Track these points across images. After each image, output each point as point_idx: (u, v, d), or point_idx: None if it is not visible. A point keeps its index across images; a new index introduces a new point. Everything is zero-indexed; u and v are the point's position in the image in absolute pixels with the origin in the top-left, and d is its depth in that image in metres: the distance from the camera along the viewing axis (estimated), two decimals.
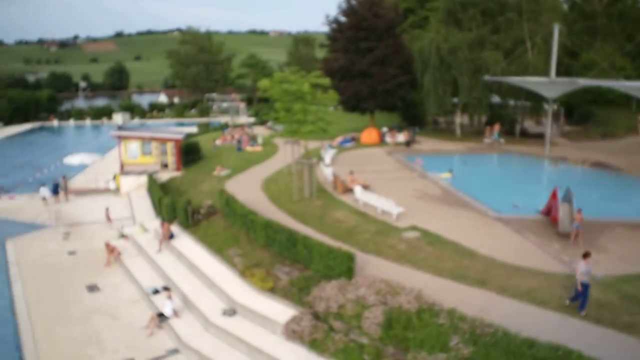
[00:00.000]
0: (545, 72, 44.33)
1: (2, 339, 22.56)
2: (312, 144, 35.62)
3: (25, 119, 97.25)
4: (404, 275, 20.75)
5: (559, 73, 44.27)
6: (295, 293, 20.97)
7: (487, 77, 46.67)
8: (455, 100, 52.37)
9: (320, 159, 41.11)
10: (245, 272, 23.46)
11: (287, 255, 23.52)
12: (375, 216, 27.88)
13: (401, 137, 49.66)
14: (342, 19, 51.54)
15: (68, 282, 27.48)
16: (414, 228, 25.76)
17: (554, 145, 46.63)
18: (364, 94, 49.20)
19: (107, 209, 36.80)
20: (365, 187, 31.63)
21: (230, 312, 21.53)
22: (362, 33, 48.69)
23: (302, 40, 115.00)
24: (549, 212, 26.67)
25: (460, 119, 54.19)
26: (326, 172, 36.37)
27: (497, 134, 49.79)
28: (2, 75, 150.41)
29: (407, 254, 23.02)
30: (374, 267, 21.97)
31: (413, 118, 57.39)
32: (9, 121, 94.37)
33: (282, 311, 20.28)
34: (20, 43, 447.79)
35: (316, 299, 19.62)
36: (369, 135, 51.00)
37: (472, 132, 54.00)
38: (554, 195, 26.27)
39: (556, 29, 41.91)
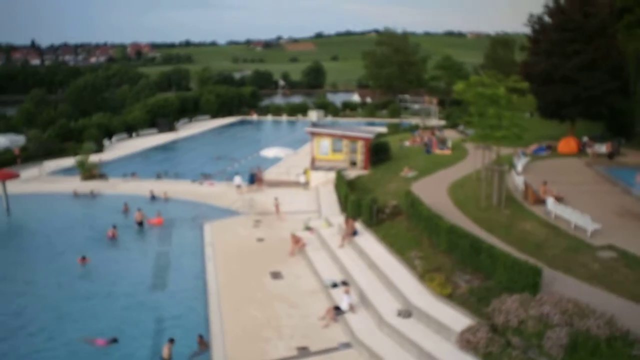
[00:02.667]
0: None
1: (194, 310, 24.75)
2: (504, 151, 34.25)
3: (229, 113, 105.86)
4: (595, 298, 19.16)
5: None
6: (474, 302, 20.35)
7: None
8: None
9: (512, 166, 39.39)
10: (424, 276, 23.27)
11: (469, 262, 22.89)
12: (567, 231, 26.04)
13: (603, 148, 45.81)
14: (547, 19, 48.76)
15: (254, 267, 29.35)
16: (610, 247, 23.65)
17: None
18: (565, 100, 46.05)
19: (276, 199, 39.12)
20: (559, 199, 29.67)
21: (406, 313, 21.47)
22: (569, 34, 45.46)
23: (501, 42, 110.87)
24: None
25: None
26: (517, 180, 34.77)
27: None
28: (212, 73, 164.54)
29: (601, 275, 21.22)
30: (561, 285, 20.57)
31: (619, 128, 52.61)
32: (215, 114, 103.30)
33: (458, 319, 19.79)
34: (231, 43, 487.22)
35: (495, 311, 18.83)
36: (567, 144, 47.74)
37: None
38: None
39: None
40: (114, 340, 21.76)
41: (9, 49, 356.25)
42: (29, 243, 34.48)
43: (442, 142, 53.19)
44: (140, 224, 37.02)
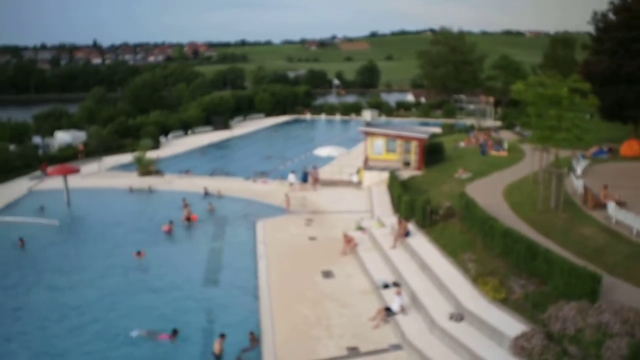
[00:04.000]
0: None
1: (246, 306, 24.99)
2: (562, 153, 33.26)
3: (283, 112, 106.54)
4: None
5: None
6: (529, 308, 19.83)
7: None
8: None
9: (571, 169, 38.28)
10: (477, 279, 22.81)
11: (524, 267, 22.31)
12: (629, 237, 25.06)
13: None
14: (612, 16, 47.13)
15: (306, 265, 29.41)
16: None
17: None
18: (629, 101, 44.46)
19: (286, 194, 40.89)
20: (621, 204, 28.60)
21: (458, 317, 21.11)
22: (635, 33, 43.83)
23: (561, 41, 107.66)
24: None
25: None
26: (576, 183, 33.77)
27: None
28: (267, 72, 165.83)
29: None
30: (622, 293, 19.81)
31: None
32: (269, 113, 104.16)
33: (511, 325, 19.31)
34: (286, 43, 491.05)
35: (551, 318, 18.28)
36: (630, 147, 46.01)
37: None
38: None
39: None
40: (175, 332, 22.08)
41: (72, 49, 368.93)
42: (88, 236, 35.57)
43: (498, 144, 52.22)
44: (188, 219, 37.78)
